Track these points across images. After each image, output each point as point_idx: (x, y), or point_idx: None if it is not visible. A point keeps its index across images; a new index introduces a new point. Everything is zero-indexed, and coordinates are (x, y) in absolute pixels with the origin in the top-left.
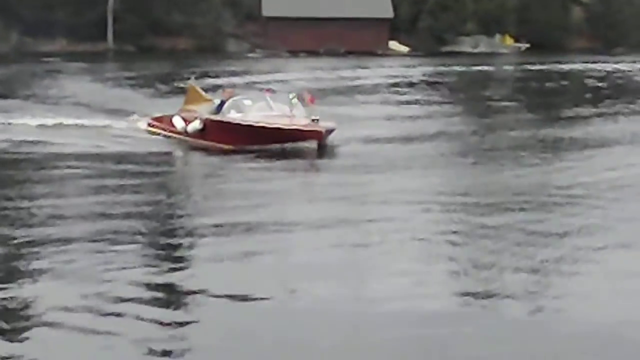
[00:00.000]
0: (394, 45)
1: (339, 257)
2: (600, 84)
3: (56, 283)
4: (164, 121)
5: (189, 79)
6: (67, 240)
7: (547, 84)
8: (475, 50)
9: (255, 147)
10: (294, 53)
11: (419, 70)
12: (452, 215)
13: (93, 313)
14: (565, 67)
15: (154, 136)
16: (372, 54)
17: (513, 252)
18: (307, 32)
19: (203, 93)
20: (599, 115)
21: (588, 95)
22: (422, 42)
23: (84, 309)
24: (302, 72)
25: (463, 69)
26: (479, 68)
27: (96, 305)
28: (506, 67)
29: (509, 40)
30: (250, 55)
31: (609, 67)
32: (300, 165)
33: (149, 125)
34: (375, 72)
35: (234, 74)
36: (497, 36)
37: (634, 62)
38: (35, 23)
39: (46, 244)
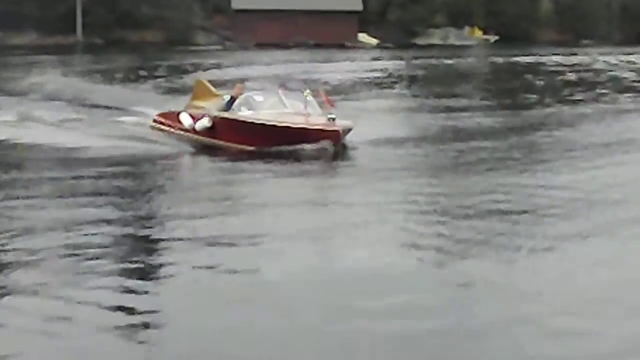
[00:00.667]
0: (363, 37)
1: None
2: (567, 77)
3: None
4: (170, 118)
5: (158, 74)
6: (31, 254)
7: (515, 77)
8: (445, 43)
9: (268, 147)
10: (263, 46)
11: (391, 64)
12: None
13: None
14: (532, 59)
15: (155, 133)
16: (341, 46)
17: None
18: (276, 25)
19: (212, 88)
20: (572, 106)
21: (557, 88)
22: (392, 35)
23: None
24: (276, 65)
25: (435, 61)
26: (451, 61)
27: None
28: (475, 60)
29: (478, 33)
30: (219, 48)
31: (575, 59)
32: (313, 168)
33: (154, 121)
34: (343, 65)
35: (202, 67)
36: (466, 28)
37: (601, 54)
38: (5, 16)
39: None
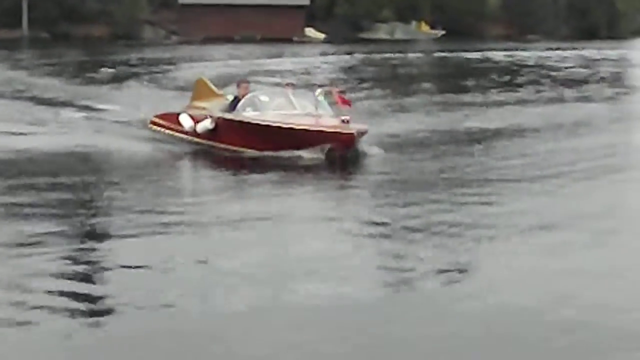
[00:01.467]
0: (310, 32)
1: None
2: (512, 71)
3: None
4: (169, 119)
5: (105, 67)
6: None
7: (462, 71)
8: (391, 37)
9: (275, 151)
10: (209, 40)
11: (338, 59)
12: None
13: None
14: (479, 54)
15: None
16: (288, 40)
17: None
18: (223, 19)
19: (214, 88)
20: (518, 101)
21: (501, 82)
22: (339, 29)
23: None
24: (224, 59)
25: (381, 56)
26: (397, 55)
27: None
28: (422, 54)
29: (425, 27)
30: (165, 42)
31: (520, 54)
32: (309, 176)
33: (152, 123)
34: (291, 60)
35: (148, 62)
36: (413, 23)
37: (548, 49)
38: None
39: None
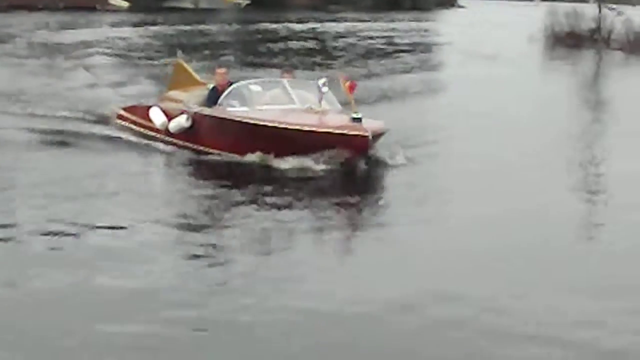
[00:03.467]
0: (114, 0)
1: None
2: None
3: None
4: (139, 113)
5: None
6: None
7: (262, 44)
8: (196, 7)
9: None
10: (11, 8)
11: (136, 30)
12: None
13: None
14: (282, 25)
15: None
16: (92, 9)
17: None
18: None
19: (194, 74)
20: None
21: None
22: None
23: None
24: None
25: (182, 28)
26: (201, 27)
27: None
28: (227, 25)
29: None
30: None
31: (321, 25)
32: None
33: (119, 117)
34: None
35: None
36: None
37: (346, 20)
38: None
39: None
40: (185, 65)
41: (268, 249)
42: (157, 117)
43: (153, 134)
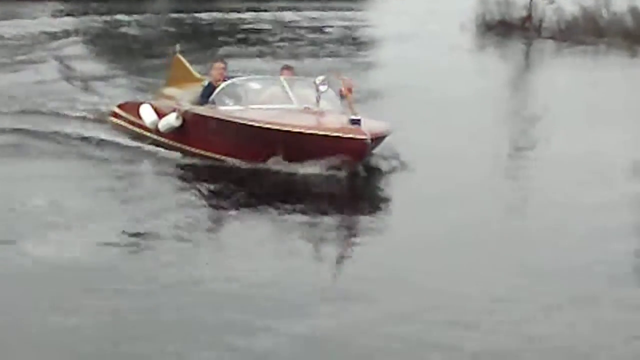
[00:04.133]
0: None
1: None
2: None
3: None
4: (132, 110)
5: None
6: None
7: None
8: None
9: (260, 161)
10: None
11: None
12: None
13: None
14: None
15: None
16: None
17: None
18: None
19: (191, 69)
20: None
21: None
22: None
23: None
24: None
25: (113, 17)
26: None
27: None
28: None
29: None
30: None
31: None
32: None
33: (114, 115)
34: None
35: None
36: None
37: (284, 9)
38: None
39: None
40: (184, 60)
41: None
42: (147, 115)
43: (144, 132)
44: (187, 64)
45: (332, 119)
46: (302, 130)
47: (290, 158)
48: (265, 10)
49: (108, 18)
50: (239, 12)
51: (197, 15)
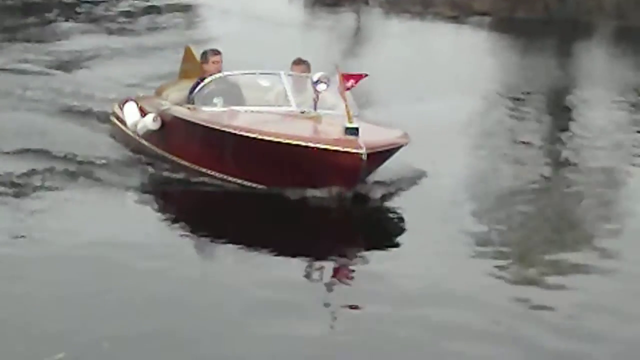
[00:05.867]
0: None
1: None
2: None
3: None
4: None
5: None
6: None
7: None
8: None
9: (247, 179)
10: None
11: None
12: None
13: None
14: None
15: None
16: None
17: None
18: None
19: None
20: None
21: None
22: None
23: None
24: None
25: None
26: None
27: None
28: None
29: None
30: None
31: None
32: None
33: (114, 115)
34: None
35: None
36: None
37: None
38: None
39: None
40: (194, 51)
41: None
42: (130, 114)
43: (130, 134)
44: (196, 55)
45: (327, 128)
46: (280, 140)
47: (272, 172)
48: None
49: None
50: None
51: None
